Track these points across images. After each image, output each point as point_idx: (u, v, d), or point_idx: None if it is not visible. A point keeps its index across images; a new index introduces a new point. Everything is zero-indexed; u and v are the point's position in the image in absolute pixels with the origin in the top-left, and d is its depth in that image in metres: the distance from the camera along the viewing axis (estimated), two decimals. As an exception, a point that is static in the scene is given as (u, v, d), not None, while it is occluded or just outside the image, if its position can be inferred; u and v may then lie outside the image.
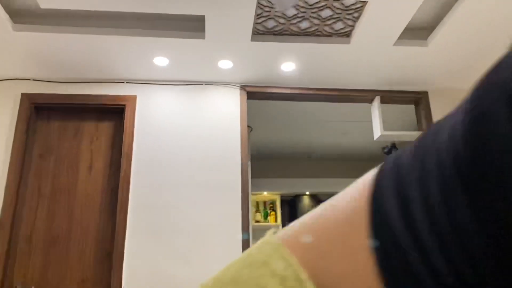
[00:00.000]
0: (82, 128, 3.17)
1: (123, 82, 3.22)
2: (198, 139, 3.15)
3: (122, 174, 2.97)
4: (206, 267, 2.85)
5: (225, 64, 3.04)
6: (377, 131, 3.36)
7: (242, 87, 3.29)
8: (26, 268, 2.82)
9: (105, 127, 3.19)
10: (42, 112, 3.18)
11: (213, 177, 3.07)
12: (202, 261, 2.86)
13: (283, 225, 4.92)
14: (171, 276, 2.81)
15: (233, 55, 2.93)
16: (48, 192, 3.00)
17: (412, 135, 3.41)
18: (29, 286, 2.78)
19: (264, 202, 4.96)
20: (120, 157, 3.07)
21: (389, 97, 3.42)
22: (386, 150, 3.35)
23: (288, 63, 3.04)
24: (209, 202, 3.00)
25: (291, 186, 4.98)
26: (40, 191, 2.99)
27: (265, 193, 4.89)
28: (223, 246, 2.91)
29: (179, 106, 3.21)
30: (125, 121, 3.11)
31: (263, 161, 5.19)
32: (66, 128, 3.16)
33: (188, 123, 3.18)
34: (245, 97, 3.27)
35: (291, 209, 5.02)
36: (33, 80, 3.15)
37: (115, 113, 3.21)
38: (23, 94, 3.10)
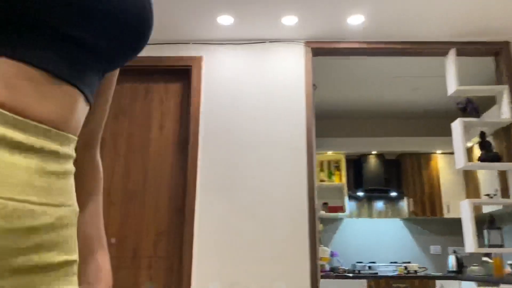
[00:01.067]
0: (152, 89, 3.29)
1: (189, 43, 3.27)
2: (263, 98, 3.15)
3: (191, 133, 3.07)
4: (271, 223, 2.92)
5: (289, 20, 2.97)
6: (452, 86, 3.17)
7: (307, 43, 3.21)
8: (106, 221, 3.05)
9: (174, 88, 3.28)
10: (115, 75, 3.32)
11: (278, 136, 3.08)
12: (267, 217, 2.93)
13: (349, 184, 4.88)
14: (238, 230, 2.91)
15: (298, 9, 2.85)
16: (124, 150, 3.18)
17: (491, 89, 3.18)
18: (110, 238, 3.01)
19: (329, 162, 4.92)
20: (189, 116, 3.16)
21: (465, 49, 3.19)
22: (461, 106, 3.15)
23: (356, 16, 2.91)
24: (275, 161, 3.03)
25: (357, 145, 4.88)
26: (117, 149, 3.18)
27: (329, 152, 4.85)
28: (287, 203, 2.95)
29: (244, 65, 3.22)
30: (192, 81, 3.17)
31: (328, 119, 5.11)
32: (137, 90, 3.29)
33: (252, 82, 3.18)
34: (310, 54, 3.19)
35: (356, 168, 4.96)
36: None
37: (182, 73, 3.29)
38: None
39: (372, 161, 4.86)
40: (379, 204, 4.96)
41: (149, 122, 3.22)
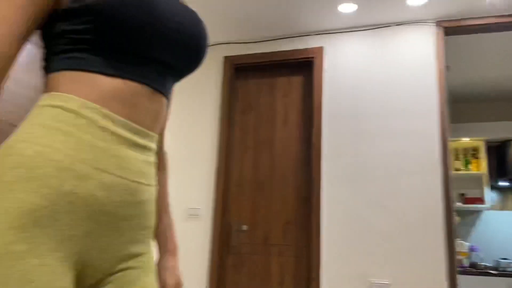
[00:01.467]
0: (276, 83, 3.39)
1: (310, 35, 3.28)
2: (389, 86, 3.03)
3: (314, 125, 3.10)
4: (402, 215, 2.81)
5: (416, 0, 2.80)
6: None
7: (438, 23, 2.99)
8: (239, 210, 3.25)
9: (296, 81, 3.34)
10: (241, 72, 3.51)
11: (407, 124, 2.94)
12: (398, 208, 2.83)
13: (490, 173, 4.43)
14: (367, 221, 2.86)
15: (425, -11, 2.67)
16: (252, 143, 3.34)
17: None
18: (242, 225, 3.20)
19: (464, 149, 4.52)
20: (312, 109, 3.19)
21: None
22: None
23: (494, -12, 2.62)
24: (405, 150, 2.90)
25: (499, 130, 4.39)
26: (245, 143, 3.36)
27: (465, 139, 4.45)
28: (420, 194, 2.81)
29: (367, 53, 3.13)
30: (314, 73, 3.19)
31: (464, 103, 4.69)
32: (262, 85, 3.43)
33: (377, 69, 3.08)
34: (441, 34, 2.97)
35: (498, 156, 4.47)
36: (233, 43, 3.48)
37: (304, 66, 3.33)
38: (225, 57, 3.46)
39: (518, 147, 4.33)
40: (528, 195, 4.42)
41: (274, 116, 3.33)
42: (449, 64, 3.78)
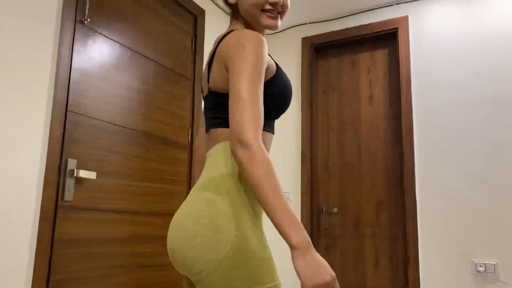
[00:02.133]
0: (358, 60, 3.27)
1: (392, 5, 3.11)
2: (483, 51, 2.77)
3: (403, 99, 2.94)
4: (507, 189, 2.57)
5: (512, -49, 2.52)
6: None
7: (539, -26, 2.66)
8: (327, 192, 3.21)
9: (380, 55, 3.19)
10: (321, 51, 3.43)
11: (506, 91, 2.67)
12: (502, 183, 2.59)
13: None
14: (468, 198, 2.67)
15: None
16: (336, 124, 3.27)
17: None
18: (332, 208, 3.16)
19: None
20: (399, 82, 3.03)
21: None
22: None
23: None
24: (505, 119, 2.65)
25: None
26: (329, 124, 3.29)
27: None
28: (529, 166, 2.55)
29: (455, 17, 2.88)
30: (399, 44, 3.02)
31: None
32: (343, 63, 3.32)
33: (467, 34, 2.83)
34: (545, -15, 2.64)
35: None
36: (309, 23, 3.41)
37: (388, 38, 3.16)
38: (303, 39, 3.41)
39: None
40: None
41: (358, 93, 3.22)
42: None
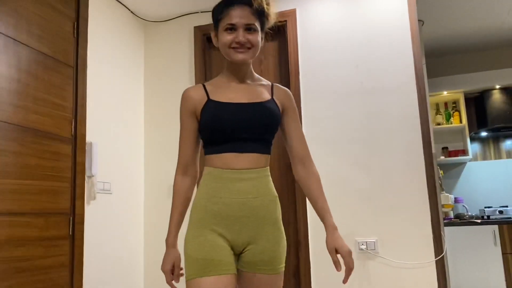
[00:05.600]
0: (250, 50, 3.30)
1: (281, -2, 3.19)
2: (363, 43, 2.98)
3: (292, 89, 3.05)
4: (385, 173, 2.81)
5: (386, -47, 2.72)
6: None
7: (408, -24, 2.92)
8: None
9: (271, 46, 3.26)
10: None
11: (384, 82, 2.91)
12: (380, 167, 2.83)
13: (470, 125, 4.46)
14: (350, 182, 2.87)
15: None
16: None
17: None
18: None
19: (445, 103, 4.52)
20: (289, 73, 3.14)
21: None
22: None
23: None
24: (382, 108, 2.89)
25: (476, 81, 4.39)
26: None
27: (445, 92, 4.45)
28: (400, 151, 2.81)
29: (339, 12, 3.06)
30: (288, 36, 3.12)
31: (440, 57, 4.67)
32: (236, 53, 3.34)
33: (350, 27, 3.02)
34: (413, -14, 2.91)
35: (478, 107, 4.49)
36: (201, 12, 3.37)
37: (277, 31, 3.24)
38: (195, 27, 3.36)
39: (496, 96, 4.35)
40: (508, 144, 4.48)
41: (251, 84, 3.26)
42: (421, 18, 3.73)
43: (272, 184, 1.44)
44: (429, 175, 2.74)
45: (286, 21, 3.14)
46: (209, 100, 1.39)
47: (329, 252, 1.35)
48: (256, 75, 1.52)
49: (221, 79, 1.47)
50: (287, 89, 1.55)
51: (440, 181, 4.03)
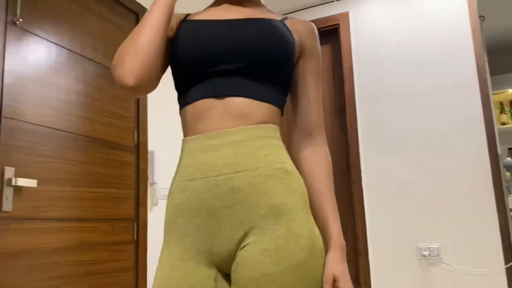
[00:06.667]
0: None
1: (333, 1, 3.18)
2: (420, 43, 2.90)
3: (346, 92, 3.02)
4: (446, 176, 2.71)
5: (442, -51, 2.64)
6: None
7: (466, -29, 2.81)
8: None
9: (323, 50, 3.25)
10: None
11: (444, 81, 2.81)
12: (441, 170, 2.73)
13: (539, 124, 4.18)
14: (410, 186, 2.78)
15: None
16: (283, 120, 3.29)
17: None
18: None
19: (510, 101, 4.29)
20: (342, 76, 3.11)
21: None
22: None
23: None
24: (443, 108, 2.78)
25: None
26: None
27: (509, 90, 4.22)
28: (463, 153, 2.69)
29: (394, 12, 2.99)
30: (341, 39, 3.09)
31: (502, 54, 4.44)
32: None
33: (406, 27, 2.95)
34: (472, -19, 2.79)
35: (547, 104, 4.21)
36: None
37: (331, 34, 3.23)
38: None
39: None
40: None
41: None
42: (482, 14, 3.56)
43: (282, 152, 0.87)
44: (495, 177, 2.60)
45: (338, 24, 3.12)
46: (183, 21, 0.93)
47: (324, 281, 0.82)
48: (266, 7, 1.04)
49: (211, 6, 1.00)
50: (311, 22, 1.04)
51: (507, 183, 3.82)
